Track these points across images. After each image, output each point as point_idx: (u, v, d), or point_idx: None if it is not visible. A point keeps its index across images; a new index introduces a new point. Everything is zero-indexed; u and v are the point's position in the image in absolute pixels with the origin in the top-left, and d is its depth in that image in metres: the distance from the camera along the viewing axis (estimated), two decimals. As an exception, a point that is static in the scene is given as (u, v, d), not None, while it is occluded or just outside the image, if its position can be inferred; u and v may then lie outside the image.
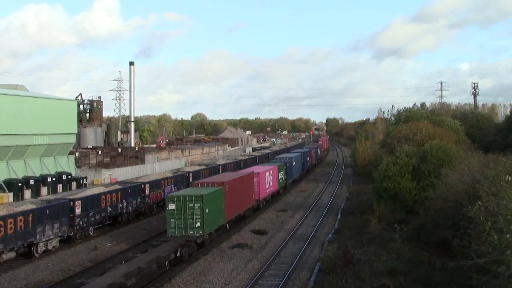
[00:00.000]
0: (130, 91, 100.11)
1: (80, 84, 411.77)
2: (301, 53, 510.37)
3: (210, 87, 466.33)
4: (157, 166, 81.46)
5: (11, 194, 48.07)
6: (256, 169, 48.16)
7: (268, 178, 48.32)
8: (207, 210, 29.93)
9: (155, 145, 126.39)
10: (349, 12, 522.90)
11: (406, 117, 64.18)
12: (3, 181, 49.51)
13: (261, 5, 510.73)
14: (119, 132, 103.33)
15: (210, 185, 33.76)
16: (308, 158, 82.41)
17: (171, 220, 29.82)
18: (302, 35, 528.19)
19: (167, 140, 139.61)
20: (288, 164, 60.01)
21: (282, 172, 56.27)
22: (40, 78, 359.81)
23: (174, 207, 29.70)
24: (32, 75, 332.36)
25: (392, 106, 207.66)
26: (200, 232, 29.84)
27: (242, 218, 40.44)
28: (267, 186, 48.00)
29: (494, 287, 12.83)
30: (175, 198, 29.99)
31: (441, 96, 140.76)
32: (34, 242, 30.18)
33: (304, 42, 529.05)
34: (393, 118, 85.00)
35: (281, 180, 55.37)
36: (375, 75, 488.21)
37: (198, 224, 29.74)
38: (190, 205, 29.70)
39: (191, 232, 29.75)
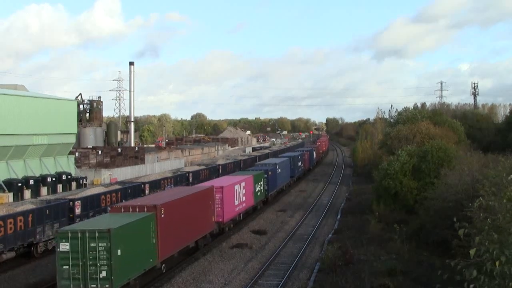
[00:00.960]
0: (130, 91, 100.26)
1: (81, 84, 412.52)
2: (302, 54, 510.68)
3: (210, 87, 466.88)
4: (157, 166, 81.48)
5: (11, 194, 48.04)
6: (219, 181, 37.75)
7: (239, 192, 37.79)
8: (119, 251, 20.56)
9: (154, 145, 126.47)
10: (350, 13, 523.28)
11: (406, 117, 64.30)
12: (3, 181, 49.51)
13: (263, 5, 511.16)
14: (119, 132, 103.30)
15: (137, 209, 23.96)
16: (299, 163, 71.08)
17: (64, 267, 20.27)
18: (303, 36, 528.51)
19: (166, 140, 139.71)
20: (270, 172, 49.35)
21: (261, 182, 46.04)
22: (41, 78, 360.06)
23: (68, 247, 20.27)
24: (33, 75, 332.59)
25: (391, 106, 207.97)
26: (107, 285, 20.25)
27: (195, 250, 30.52)
28: (237, 202, 37.51)
29: (493, 286, 12.85)
30: (69, 234, 20.46)
31: (441, 96, 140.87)
32: (34, 242, 30.16)
33: (305, 42, 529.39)
34: (391, 120, 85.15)
35: (259, 193, 44.82)
36: (375, 75, 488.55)
37: (104, 273, 20.23)
38: (92, 244, 20.20)
39: (93, 285, 20.25)
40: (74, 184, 57.33)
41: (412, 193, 38.32)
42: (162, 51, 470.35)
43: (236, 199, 37.29)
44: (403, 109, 77.35)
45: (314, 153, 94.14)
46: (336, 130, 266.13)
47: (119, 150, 78.16)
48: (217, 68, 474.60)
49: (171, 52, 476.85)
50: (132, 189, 41.62)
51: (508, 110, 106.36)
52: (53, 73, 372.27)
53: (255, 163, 65.13)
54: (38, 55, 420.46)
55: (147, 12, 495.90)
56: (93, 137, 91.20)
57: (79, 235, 20.35)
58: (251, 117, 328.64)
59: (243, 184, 39.31)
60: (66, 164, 62.16)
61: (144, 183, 44.01)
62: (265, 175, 47.65)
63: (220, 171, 60.66)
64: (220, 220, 33.85)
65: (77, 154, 68.53)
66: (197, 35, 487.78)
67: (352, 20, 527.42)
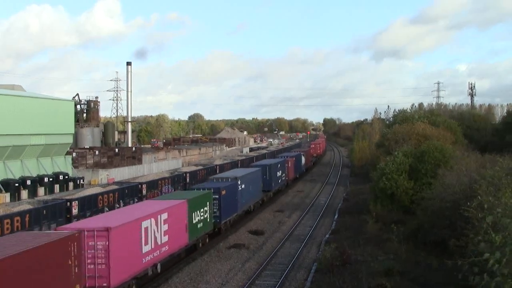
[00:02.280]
0: (127, 91, 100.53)
1: (80, 84, 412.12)
2: (302, 54, 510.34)
3: (210, 88, 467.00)
4: (154, 167, 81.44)
5: (7, 194, 48.00)
6: (108, 218, 23.43)
7: (153, 230, 24.02)
8: None
9: (150, 145, 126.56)
10: (350, 13, 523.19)
11: (402, 118, 64.47)
12: (0, 181, 49.44)
13: (263, 6, 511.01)
14: (116, 133, 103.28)
15: None
16: (279, 173, 57.04)
17: None
18: (303, 36, 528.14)
19: (164, 141, 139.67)
20: (225, 191, 35.37)
21: (207, 208, 31.83)
22: (40, 78, 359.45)
23: None
24: (33, 76, 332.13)
25: (388, 106, 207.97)
26: None
27: None
28: (147, 248, 23.46)
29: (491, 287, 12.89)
30: None
31: (438, 97, 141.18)
32: (31, 243, 30.09)
33: (305, 42, 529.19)
34: (388, 121, 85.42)
35: (200, 225, 30.58)
36: (374, 76, 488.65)
37: None
38: None
39: None
40: (71, 184, 57.31)
41: (408, 193, 38.37)
42: (162, 52, 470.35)
43: (146, 243, 23.46)
44: (399, 110, 77.66)
45: (303, 158, 79.01)
46: (334, 131, 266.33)
47: (117, 150, 78.13)
48: (217, 68, 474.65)
49: (171, 53, 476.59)
50: (130, 190, 41.57)
51: (505, 111, 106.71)
52: (52, 73, 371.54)
53: (210, 176, 46.89)
54: (38, 56, 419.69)
55: (147, 12, 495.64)
56: (90, 137, 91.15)
57: None
58: (249, 117, 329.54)
59: (164, 216, 25.31)
60: (63, 164, 62.10)
61: (141, 184, 43.94)
62: (216, 196, 34.13)
63: (218, 171, 60.60)
64: (104, 284, 20.37)
65: (74, 154, 68.52)
66: (197, 36, 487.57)
67: (352, 20, 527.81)
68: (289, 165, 63.84)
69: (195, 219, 29.76)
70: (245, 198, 41.61)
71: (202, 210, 31.02)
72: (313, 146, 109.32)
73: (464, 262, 11.17)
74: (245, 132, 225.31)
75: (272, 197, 54.08)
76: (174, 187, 47.73)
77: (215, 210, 34.07)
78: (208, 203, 32.25)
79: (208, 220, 32.30)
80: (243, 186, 40.61)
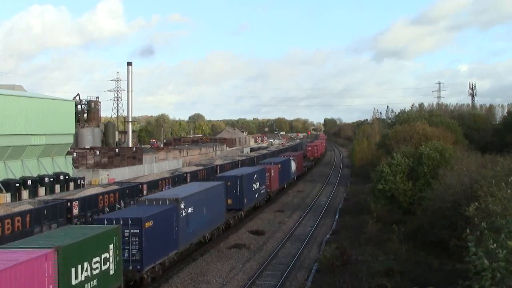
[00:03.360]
0: (128, 92, 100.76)
1: (81, 84, 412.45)
2: (302, 54, 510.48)
3: (210, 88, 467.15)
4: (154, 167, 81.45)
5: (8, 195, 48.03)
6: None
7: None
8: None
9: (150, 146, 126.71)
10: (350, 14, 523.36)
11: (403, 119, 64.58)
12: (1, 182, 49.48)
13: (264, 6, 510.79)
14: (116, 133, 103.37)
15: None
16: (256, 186, 44.51)
17: None
18: (303, 36, 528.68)
19: (164, 141, 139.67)
20: (154, 222, 24.03)
21: (109, 253, 19.88)
22: (41, 78, 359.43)
23: None
24: (34, 76, 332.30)
25: (388, 106, 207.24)
26: None
27: None
28: None
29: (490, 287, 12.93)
30: None
31: (438, 97, 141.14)
32: (32, 243, 30.09)
33: (305, 43, 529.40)
34: (389, 121, 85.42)
35: (94, 284, 18.69)
36: (374, 76, 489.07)
37: None
38: None
39: None
40: (72, 184, 57.33)
41: (406, 194, 38.37)
42: (163, 52, 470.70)
43: None
44: (400, 111, 77.67)
45: (293, 164, 65.41)
46: (334, 131, 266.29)
47: (117, 150, 78.18)
48: (217, 69, 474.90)
49: (172, 53, 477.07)
50: (130, 190, 41.61)
51: (505, 111, 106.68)
52: (54, 73, 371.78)
53: (138, 198, 35.78)
54: (39, 56, 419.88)
55: (148, 13, 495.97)
56: (91, 137, 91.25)
57: None
58: (249, 117, 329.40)
59: None
60: (64, 165, 62.15)
61: (142, 184, 44.01)
62: (136, 230, 22.94)
63: (218, 171, 60.62)
64: None
65: (75, 154, 68.61)
66: (198, 36, 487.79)
67: (353, 21, 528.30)
68: (272, 174, 51.24)
69: (79, 277, 17.91)
70: (195, 226, 29.70)
71: (97, 259, 19.13)
72: (310, 148, 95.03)
73: (463, 267, 11.25)
74: (246, 132, 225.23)
75: (243, 217, 41.41)
76: (174, 187, 47.72)
77: (133, 251, 22.95)
78: (111, 245, 20.20)
79: (113, 271, 20.25)
80: (190, 209, 28.91)
